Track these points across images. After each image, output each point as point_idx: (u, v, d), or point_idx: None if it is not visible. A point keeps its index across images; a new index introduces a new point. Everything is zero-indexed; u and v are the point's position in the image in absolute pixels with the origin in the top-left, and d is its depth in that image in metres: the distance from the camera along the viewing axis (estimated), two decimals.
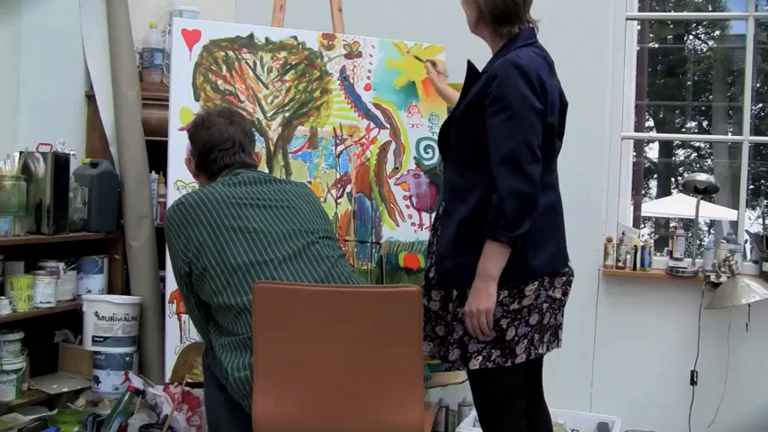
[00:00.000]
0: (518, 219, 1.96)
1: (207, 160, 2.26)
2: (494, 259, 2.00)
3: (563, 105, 2.17)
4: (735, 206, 4.05)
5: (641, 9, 3.98)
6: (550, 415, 2.36)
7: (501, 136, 2.00)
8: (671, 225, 8.39)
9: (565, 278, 2.18)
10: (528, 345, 2.10)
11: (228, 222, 2.08)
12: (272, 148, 2.97)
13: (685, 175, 11.75)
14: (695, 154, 11.99)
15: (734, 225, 3.76)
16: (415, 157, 3.12)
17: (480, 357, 2.07)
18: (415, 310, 1.80)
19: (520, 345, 2.09)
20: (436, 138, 3.21)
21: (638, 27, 3.84)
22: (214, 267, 2.05)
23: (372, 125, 3.08)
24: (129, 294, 3.28)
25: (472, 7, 2.19)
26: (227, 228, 2.07)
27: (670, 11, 8.04)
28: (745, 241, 3.55)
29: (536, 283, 2.09)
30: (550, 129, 2.08)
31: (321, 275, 2.07)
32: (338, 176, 3.03)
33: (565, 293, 2.20)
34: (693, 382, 3.37)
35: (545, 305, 2.13)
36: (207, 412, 2.23)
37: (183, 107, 2.86)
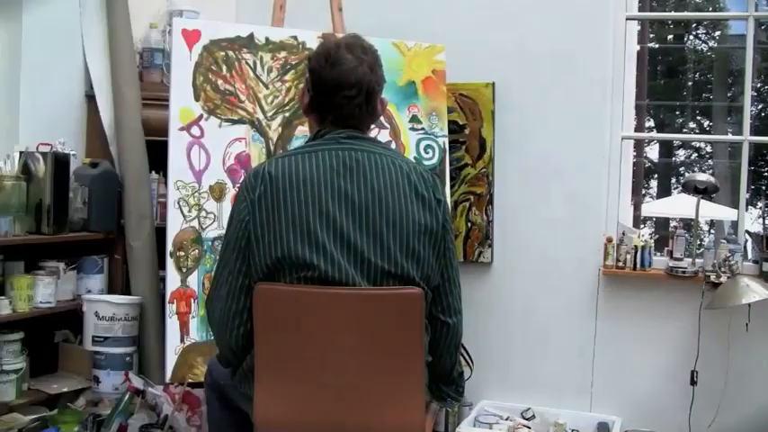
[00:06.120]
0: None
1: (323, 104, 1.87)
2: None
3: None
4: (735, 206, 4.05)
5: (641, 9, 3.97)
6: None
7: None
8: (671, 225, 8.40)
9: None
10: None
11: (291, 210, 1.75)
12: (272, 147, 2.97)
13: (686, 174, 11.76)
14: (695, 154, 11.99)
15: (734, 225, 3.76)
16: (415, 157, 3.11)
17: None
18: (416, 311, 1.80)
19: None
20: (436, 138, 3.21)
21: (638, 27, 3.84)
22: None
23: (372, 125, 3.07)
24: (130, 294, 3.28)
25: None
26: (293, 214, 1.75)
27: (670, 11, 8.04)
28: (746, 241, 3.54)
29: None
30: None
31: None
32: None
33: None
34: (693, 382, 3.37)
35: None
36: None
37: (182, 107, 2.86)
